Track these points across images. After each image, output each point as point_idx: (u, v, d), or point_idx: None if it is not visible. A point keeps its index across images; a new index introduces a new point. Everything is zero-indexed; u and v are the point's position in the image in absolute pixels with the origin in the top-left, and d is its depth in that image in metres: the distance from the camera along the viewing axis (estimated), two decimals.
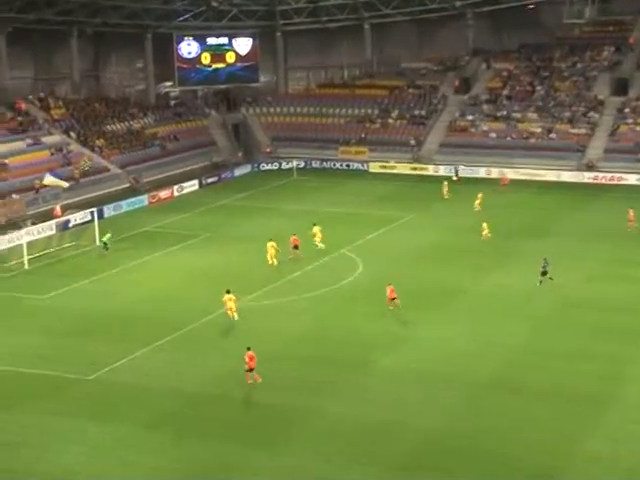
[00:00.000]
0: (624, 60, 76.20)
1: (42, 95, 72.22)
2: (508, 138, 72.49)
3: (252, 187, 66.93)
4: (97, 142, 68.73)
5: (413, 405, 29.78)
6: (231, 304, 37.54)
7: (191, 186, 66.43)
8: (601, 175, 66.58)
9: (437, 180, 64.91)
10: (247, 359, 31.23)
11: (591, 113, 72.69)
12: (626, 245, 48.08)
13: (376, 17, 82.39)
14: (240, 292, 41.04)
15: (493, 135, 73.31)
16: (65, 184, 58.08)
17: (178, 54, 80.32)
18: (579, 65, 77.91)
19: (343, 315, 38.76)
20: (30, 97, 71.01)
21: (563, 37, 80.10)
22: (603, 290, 40.85)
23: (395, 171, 71.67)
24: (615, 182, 65.44)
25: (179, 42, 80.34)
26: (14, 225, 53.36)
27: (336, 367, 32.97)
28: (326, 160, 74.36)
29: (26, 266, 46.33)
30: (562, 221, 54.39)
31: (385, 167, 72.71)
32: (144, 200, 61.73)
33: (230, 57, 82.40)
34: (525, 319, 37.41)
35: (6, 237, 49.89)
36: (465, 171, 68.61)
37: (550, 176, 67.30)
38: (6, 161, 60.88)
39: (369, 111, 79.33)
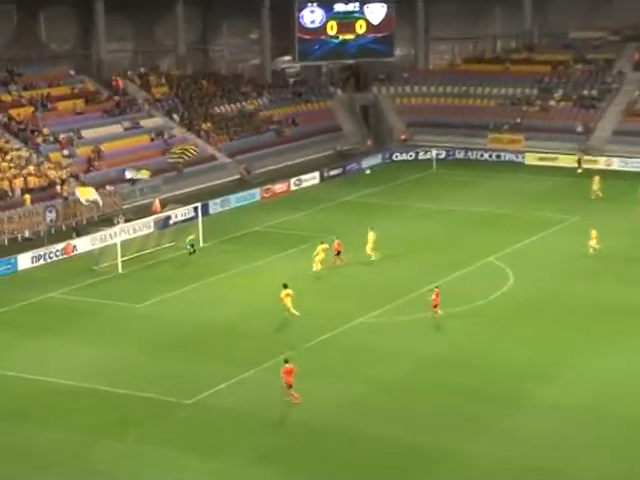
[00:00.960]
0: None
1: (142, 71, 74.23)
2: None
3: (383, 181, 66.77)
4: (203, 126, 70.06)
5: (580, 447, 28.92)
6: (288, 300, 38.70)
7: (311, 179, 66.84)
8: None
9: (609, 176, 63.10)
10: (284, 375, 31.77)
11: None
12: None
13: None
14: (367, 306, 40.97)
15: None
16: (147, 173, 58.96)
17: (299, 23, 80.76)
18: None
19: (489, 336, 38.14)
20: (129, 73, 73.11)
21: None
22: None
23: (557, 164, 70.13)
24: None
25: (301, 9, 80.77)
26: (107, 221, 54.97)
27: (480, 399, 32.44)
28: (472, 150, 73.53)
29: (120, 269, 47.56)
30: None
31: (544, 159, 71.27)
32: (256, 195, 62.47)
33: (360, 27, 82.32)
34: None
35: (98, 235, 51.41)
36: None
37: None
38: (101, 147, 62.78)
39: (526, 91, 78.00)
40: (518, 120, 75.47)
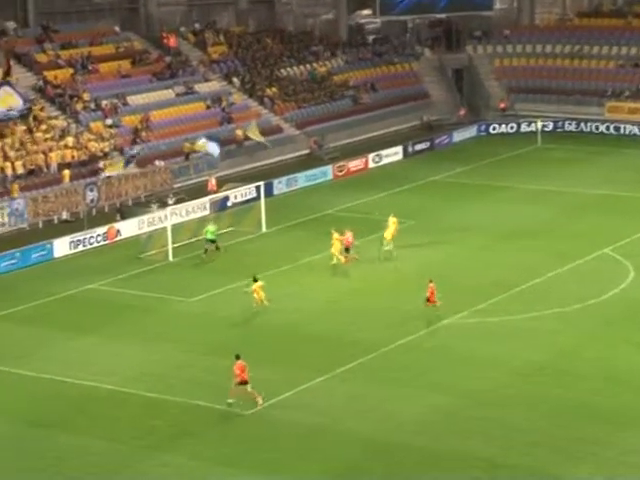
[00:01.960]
0: None
1: (197, 27, 75.12)
2: None
3: (477, 157, 66.78)
4: (268, 92, 70.72)
5: None
6: (261, 294, 40.34)
7: (392, 155, 67.08)
8: None
9: None
10: (237, 371, 33.11)
11: None
12: None
13: None
14: (457, 303, 41.18)
15: None
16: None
17: None
18: None
19: (601, 342, 38.08)
20: (182, 30, 74.03)
21: None
22: None
23: None
24: None
25: None
26: (157, 202, 55.93)
27: (588, 415, 32.46)
28: (586, 121, 73.17)
29: (170, 257, 48.46)
30: None
31: None
32: (328, 172, 62.95)
33: None
34: None
35: (145, 218, 52.40)
36: None
37: None
38: (149, 116, 63.81)
39: None
40: None
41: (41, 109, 60.45)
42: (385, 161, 66.37)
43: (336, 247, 46.06)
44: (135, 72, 67.97)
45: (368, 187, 60.32)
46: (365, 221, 53.50)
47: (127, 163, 57.64)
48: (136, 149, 58.68)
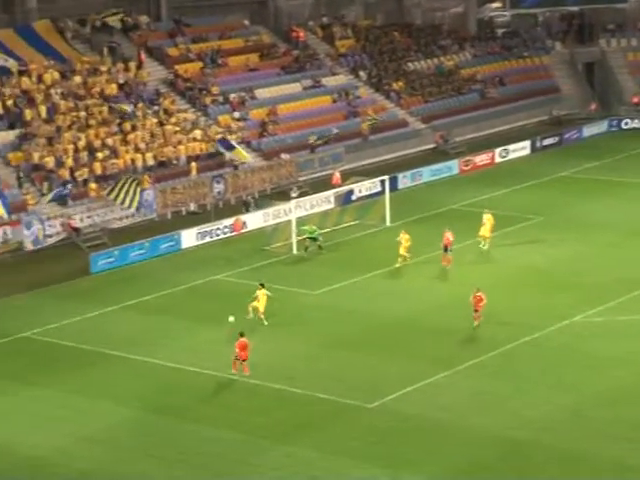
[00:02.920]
0: None
1: (325, 21, 75.46)
2: None
3: (608, 153, 65.84)
4: (394, 85, 70.73)
5: None
6: (260, 303, 39.52)
7: (520, 149, 66.55)
8: None
9: None
10: (237, 348, 35.05)
11: None
12: None
13: None
14: (584, 300, 40.73)
15: None
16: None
17: None
18: None
19: None
20: (310, 24, 74.46)
21: None
22: None
23: None
24: None
25: None
26: (282, 195, 56.40)
27: None
28: None
29: (294, 250, 48.83)
30: None
31: None
32: (454, 167, 62.73)
33: None
34: None
35: (271, 211, 52.89)
36: None
37: None
38: (276, 109, 64.34)
39: None
40: None
41: (171, 102, 61.43)
42: (512, 156, 65.81)
43: (404, 247, 45.55)
44: (263, 66, 68.57)
45: (494, 182, 59.94)
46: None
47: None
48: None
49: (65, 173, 53.50)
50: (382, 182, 54.76)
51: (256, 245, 49.85)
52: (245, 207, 54.51)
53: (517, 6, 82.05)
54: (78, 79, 59.51)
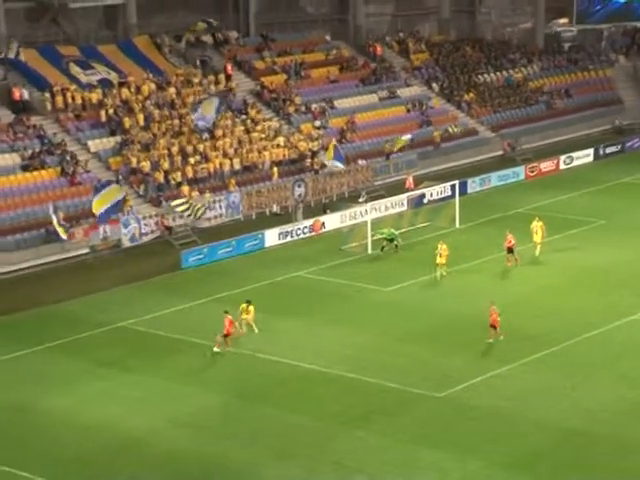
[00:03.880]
0: None
1: (401, 36, 75.38)
2: None
3: None
4: (465, 97, 70.39)
5: None
6: (250, 315, 38.87)
7: (584, 157, 65.83)
8: None
9: None
10: (226, 323, 36.53)
11: None
12: None
13: None
14: None
15: None
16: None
17: None
18: None
19: None
20: (387, 39, 74.44)
21: None
22: None
23: None
24: None
25: None
26: (357, 198, 56.50)
27: None
28: None
29: (369, 250, 48.84)
30: None
31: None
32: (520, 173, 62.25)
33: None
34: None
35: (348, 213, 52.96)
36: None
37: None
38: (354, 118, 64.42)
39: None
40: None
41: (257, 112, 61.79)
42: (576, 163, 65.12)
43: (443, 258, 44.24)
44: (343, 78, 68.68)
45: (559, 187, 59.36)
46: (554, 220, 52.63)
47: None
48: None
49: (160, 176, 54.11)
50: (452, 187, 54.61)
51: (333, 245, 49.92)
52: (323, 209, 54.63)
53: (583, 22, 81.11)
54: (172, 90, 60.12)
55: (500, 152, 66.96)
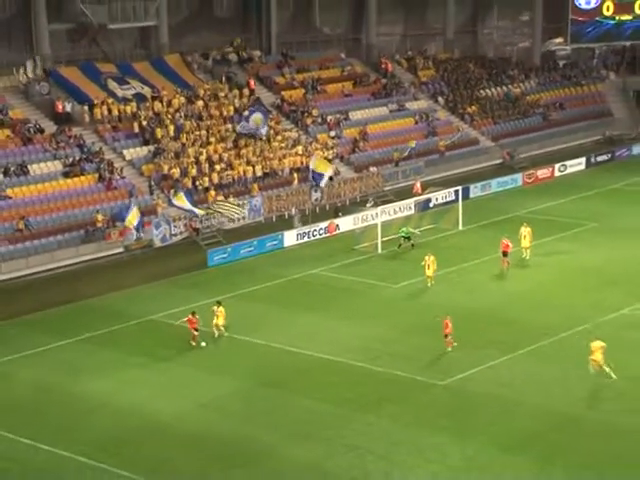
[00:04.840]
0: None
1: (410, 54, 75.21)
2: None
3: None
4: (468, 109, 70.19)
5: None
6: (219, 319, 37.74)
7: (576, 165, 65.55)
8: None
9: None
10: (188, 324, 36.41)
11: None
12: None
13: None
14: (633, 297, 40.07)
15: None
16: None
17: (573, 4, 78.58)
18: None
19: None
20: (397, 57, 74.28)
21: None
22: None
23: None
24: None
25: None
26: (373, 201, 56.34)
27: None
28: None
29: (379, 250, 48.74)
30: None
31: None
32: (518, 179, 62.03)
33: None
34: None
35: (360, 216, 52.86)
36: None
37: None
38: (366, 129, 64.30)
39: None
40: None
41: (277, 123, 61.74)
42: (569, 170, 64.83)
43: (430, 269, 42.80)
44: (356, 92, 68.57)
45: (554, 193, 59.13)
46: (550, 222, 52.55)
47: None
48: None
49: (188, 182, 54.12)
50: (456, 192, 54.38)
51: (347, 245, 49.86)
52: (335, 212, 54.54)
53: (577, 41, 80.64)
54: (200, 103, 60.14)
55: (500, 160, 66.73)
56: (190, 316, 37.25)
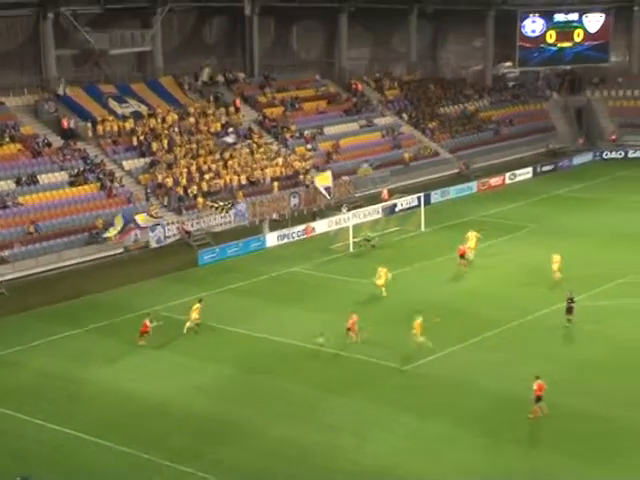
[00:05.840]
0: None
1: (377, 76, 75.41)
2: None
3: (592, 177, 65.09)
4: (429, 125, 70.55)
5: None
6: (194, 315, 37.10)
7: (524, 174, 66.05)
8: None
9: None
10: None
11: None
12: None
13: None
14: (573, 290, 40.40)
15: None
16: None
17: (521, 33, 79.43)
18: None
19: None
20: (365, 78, 74.50)
21: None
22: None
23: None
24: None
25: (523, 19, 79.35)
26: (346, 206, 56.44)
27: None
28: None
29: (351, 249, 48.99)
30: None
31: None
32: (473, 187, 62.43)
33: (578, 35, 80.00)
34: None
35: (334, 219, 53.10)
36: None
37: None
38: (339, 142, 64.50)
39: None
40: None
41: (260, 137, 61.86)
42: (518, 179, 65.33)
43: (381, 280, 41.31)
44: (330, 109, 68.70)
45: (504, 199, 59.56)
46: (502, 225, 52.94)
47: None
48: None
49: (180, 190, 54.16)
50: (419, 198, 54.67)
51: (322, 245, 50.05)
52: (313, 216, 54.72)
53: (524, 65, 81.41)
54: (191, 120, 60.15)
55: (457, 170, 67.10)
56: (146, 321, 36.40)
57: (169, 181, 54.48)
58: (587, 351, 34.63)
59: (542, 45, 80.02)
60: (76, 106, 57.88)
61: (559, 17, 79.74)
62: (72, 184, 52.53)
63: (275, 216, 55.19)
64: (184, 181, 54.88)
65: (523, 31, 79.63)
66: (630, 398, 30.59)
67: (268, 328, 38.03)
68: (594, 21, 79.92)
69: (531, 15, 79.56)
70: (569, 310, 36.61)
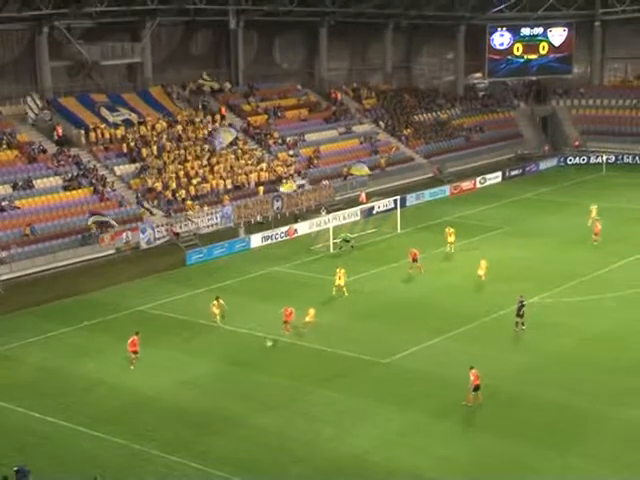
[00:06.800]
0: None
1: (355, 86, 75.29)
2: None
3: (557, 181, 65.15)
4: (404, 132, 70.47)
5: None
6: (215, 310, 37.31)
7: (494, 178, 66.03)
8: None
9: None
10: (131, 346, 32.55)
11: None
12: None
13: None
14: (539, 287, 40.50)
15: None
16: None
17: (490, 45, 79.65)
18: None
19: None
20: (344, 87, 74.36)
21: None
22: None
23: None
24: None
25: (492, 33, 79.50)
26: (325, 209, 56.19)
27: (637, 373, 31.47)
28: None
29: (331, 249, 48.75)
30: None
31: None
32: (446, 190, 62.36)
33: (543, 48, 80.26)
34: None
35: (315, 221, 52.85)
36: None
37: None
38: (319, 149, 64.31)
39: None
40: None
41: (244, 143, 61.56)
42: (488, 182, 65.32)
43: (341, 280, 40.81)
44: (311, 117, 68.49)
45: (475, 201, 59.49)
46: (473, 226, 52.86)
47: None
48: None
49: (169, 194, 53.75)
50: (395, 201, 54.49)
51: (304, 246, 49.81)
52: (295, 219, 54.47)
53: (493, 76, 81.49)
54: (180, 127, 59.76)
55: (431, 174, 67.04)
56: (134, 336, 34.08)
57: (158, 185, 54.05)
58: (553, 344, 34.55)
59: (509, 57, 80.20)
60: (70, 114, 57.37)
61: (525, 31, 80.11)
62: (66, 188, 52.01)
63: (259, 218, 54.87)
64: (173, 185, 54.46)
65: (492, 44, 79.85)
66: (590, 388, 30.59)
67: (253, 324, 37.72)
68: (558, 35, 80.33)
69: (499, 29, 79.88)
70: (520, 312, 35.92)
